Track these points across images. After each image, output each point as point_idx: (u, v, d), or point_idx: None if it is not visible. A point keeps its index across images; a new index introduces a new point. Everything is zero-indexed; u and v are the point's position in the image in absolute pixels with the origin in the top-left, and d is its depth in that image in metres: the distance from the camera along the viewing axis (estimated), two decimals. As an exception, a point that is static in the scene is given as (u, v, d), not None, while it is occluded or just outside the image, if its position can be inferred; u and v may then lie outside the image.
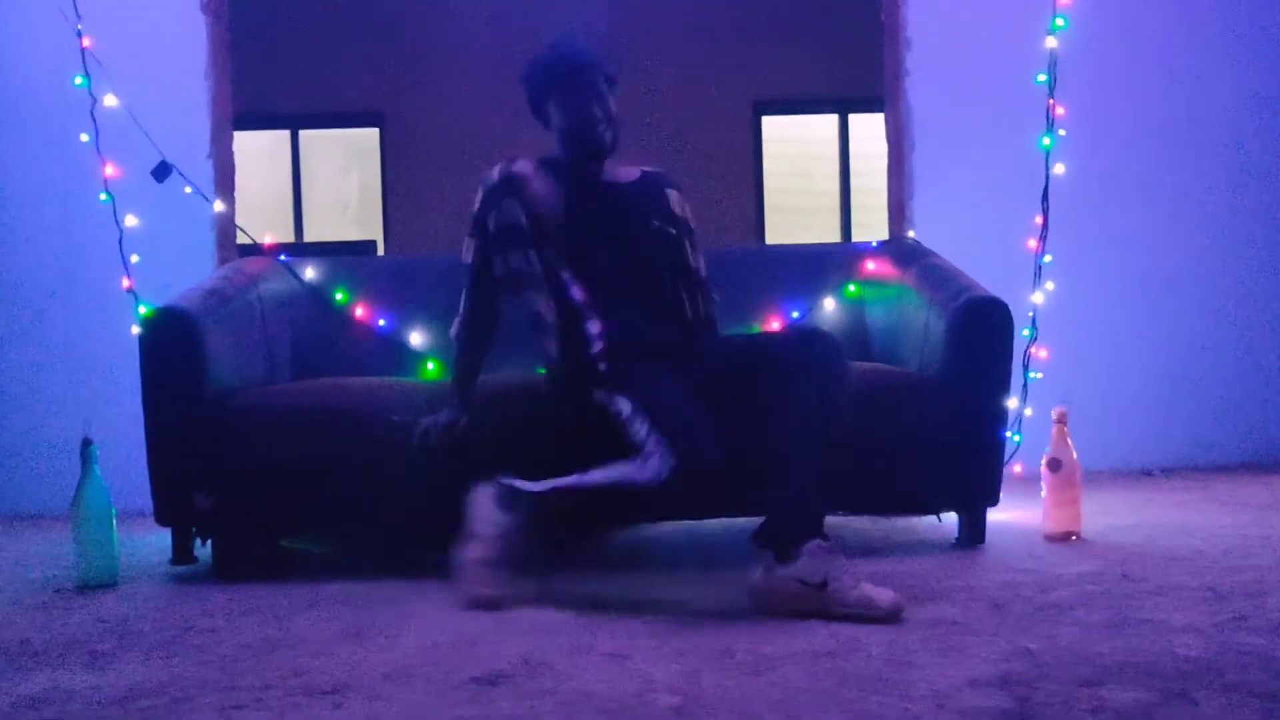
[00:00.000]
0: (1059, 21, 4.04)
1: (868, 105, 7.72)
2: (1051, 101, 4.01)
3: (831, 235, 9.32)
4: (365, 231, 9.01)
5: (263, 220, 7.87)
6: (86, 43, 3.86)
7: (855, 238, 9.21)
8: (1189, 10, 4.33)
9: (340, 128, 9.05)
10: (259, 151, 7.93)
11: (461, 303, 3.18)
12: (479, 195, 3.10)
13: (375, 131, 9.01)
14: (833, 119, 9.33)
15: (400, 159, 8.92)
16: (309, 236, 9.01)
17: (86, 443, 3.11)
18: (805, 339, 2.90)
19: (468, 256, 3.15)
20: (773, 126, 9.34)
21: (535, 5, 8.10)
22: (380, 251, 8.70)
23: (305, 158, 9.10)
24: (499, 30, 8.26)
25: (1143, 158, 4.30)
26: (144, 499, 3.18)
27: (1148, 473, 4.31)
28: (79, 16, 3.85)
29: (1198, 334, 4.39)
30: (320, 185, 9.19)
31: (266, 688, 2.19)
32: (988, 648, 2.31)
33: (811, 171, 9.36)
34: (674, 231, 3.15)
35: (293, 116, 8.73)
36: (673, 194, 3.23)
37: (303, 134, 9.03)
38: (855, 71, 6.70)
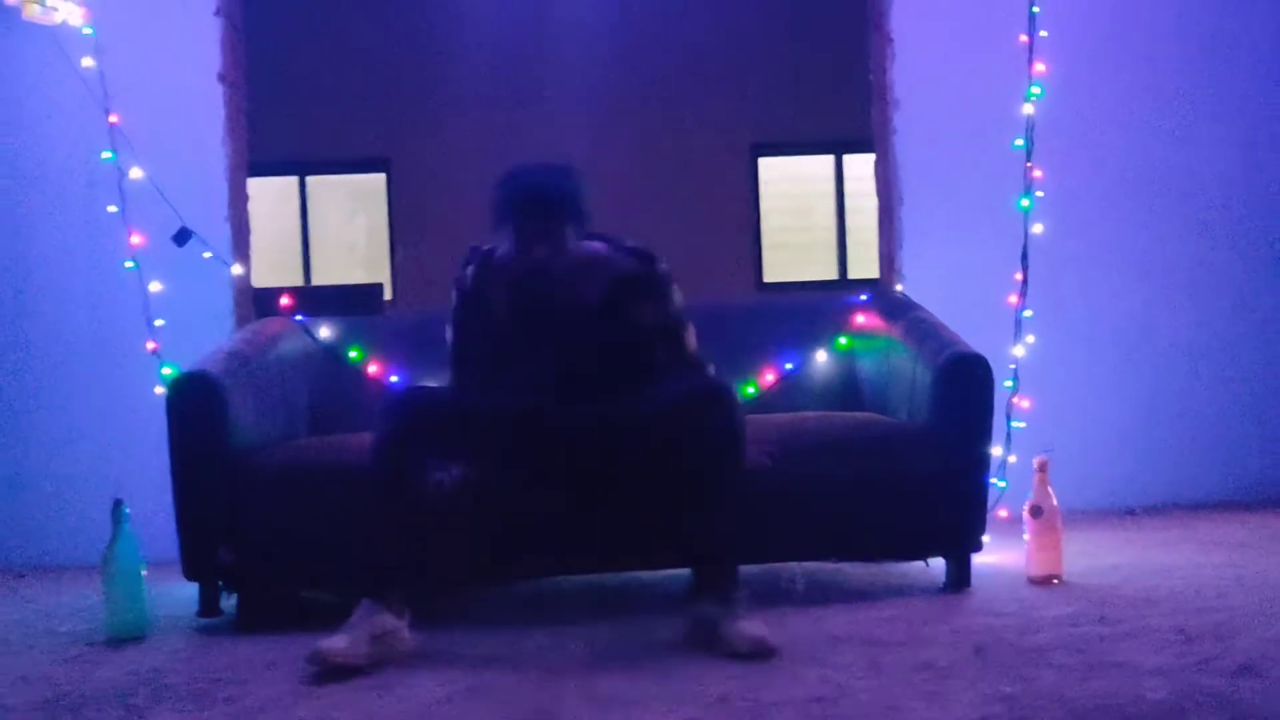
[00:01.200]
0: (1035, 90, 4.22)
1: (862, 146, 7.93)
2: (1029, 165, 4.18)
3: (829, 272, 9.51)
4: (372, 274, 9.21)
5: (272, 264, 8.09)
6: (113, 119, 4.05)
7: (852, 273, 9.40)
8: (1160, 71, 4.52)
9: (347, 173, 9.27)
10: (268, 197, 8.11)
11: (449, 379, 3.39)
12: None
13: (382, 176, 9.22)
14: (829, 159, 9.54)
15: (406, 203, 9.14)
16: (317, 279, 9.21)
17: (117, 503, 3.28)
18: (698, 402, 3.01)
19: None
20: (770, 167, 9.55)
21: (536, 54, 8.36)
22: (388, 295, 8.90)
23: (313, 202, 9.32)
24: (501, 77, 8.50)
25: (1118, 213, 4.48)
26: (173, 548, 3.34)
27: (1130, 512, 4.46)
28: (106, 95, 4.04)
29: (1175, 377, 4.55)
30: (328, 229, 9.40)
31: (294, 739, 2.36)
32: (970, 692, 2.48)
33: (809, 209, 9.56)
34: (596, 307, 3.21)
35: (300, 163, 8.94)
36: (623, 265, 3.27)
37: (310, 179, 9.25)
38: (849, 115, 6.90)
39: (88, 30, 4.06)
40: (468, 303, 3.29)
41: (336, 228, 9.46)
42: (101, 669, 2.99)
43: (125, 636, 3.25)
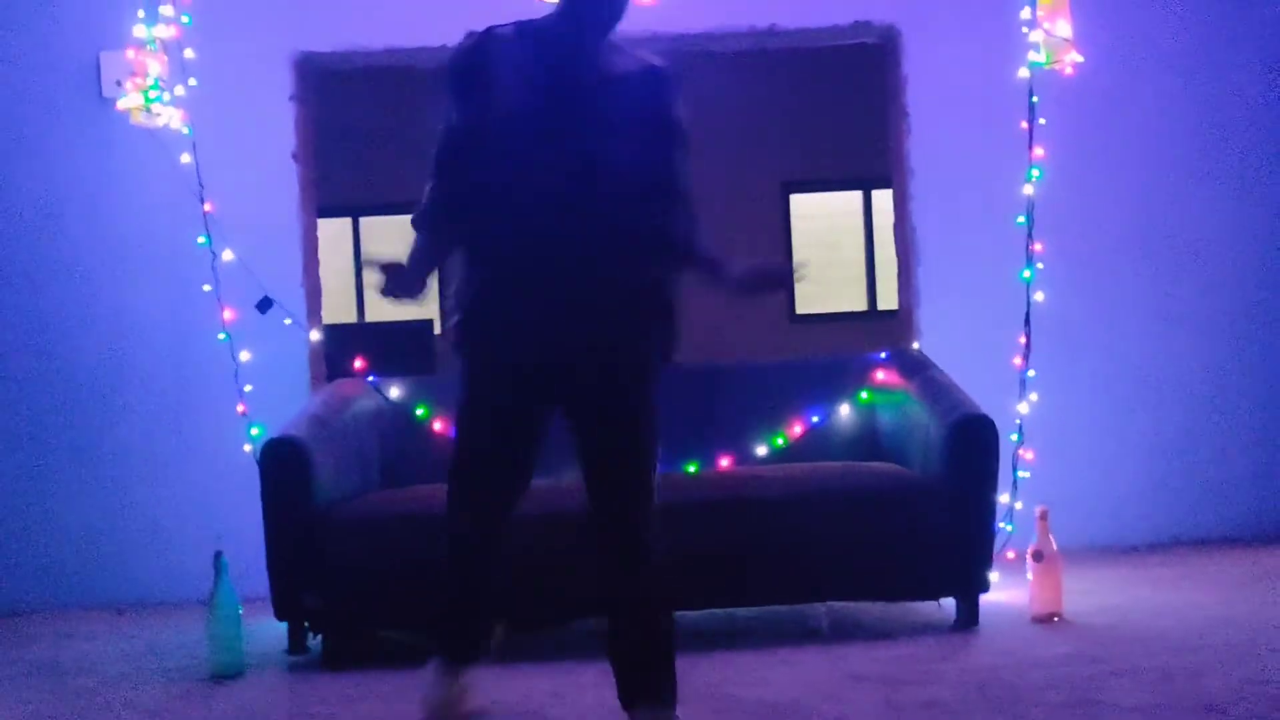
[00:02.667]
0: (1035, 172, 4.60)
1: (889, 183, 8.31)
2: (1031, 240, 4.56)
3: (858, 303, 9.87)
4: (422, 311, 9.63)
5: (328, 302, 8.51)
6: (207, 208, 4.50)
7: (880, 305, 9.76)
8: (1152, 146, 4.90)
9: (398, 214, 9.71)
10: (323, 237, 8.59)
11: (427, 190, 2.86)
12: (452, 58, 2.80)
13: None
14: (857, 195, 9.91)
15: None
16: (370, 316, 9.66)
17: (218, 555, 3.71)
18: (632, 582, 2.79)
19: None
20: (801, 203, 9.93)
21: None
22: (436, 330, 9.34)
23: (365, 242, 9.78)
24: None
25: (1116, 274, 4.84)
26: (265, 585, 3.78)
27: (1134, 549, 4.81)
28: (201, 186, 4.50)
29: (1174, 421, 4.91)
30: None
31: (387, 770, 2.77)
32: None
33: (838, 244, 9.91)
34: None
35: (354, 205, 9.39)
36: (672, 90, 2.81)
37: (363, 220, 9.72)
38: (877, 154, 7.28)
39: (186, 130, 4.52)
40: (465, 81, 2.75)
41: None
42: (210, 705, 3.42)
43: (226, 674, 3.67)
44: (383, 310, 9.74)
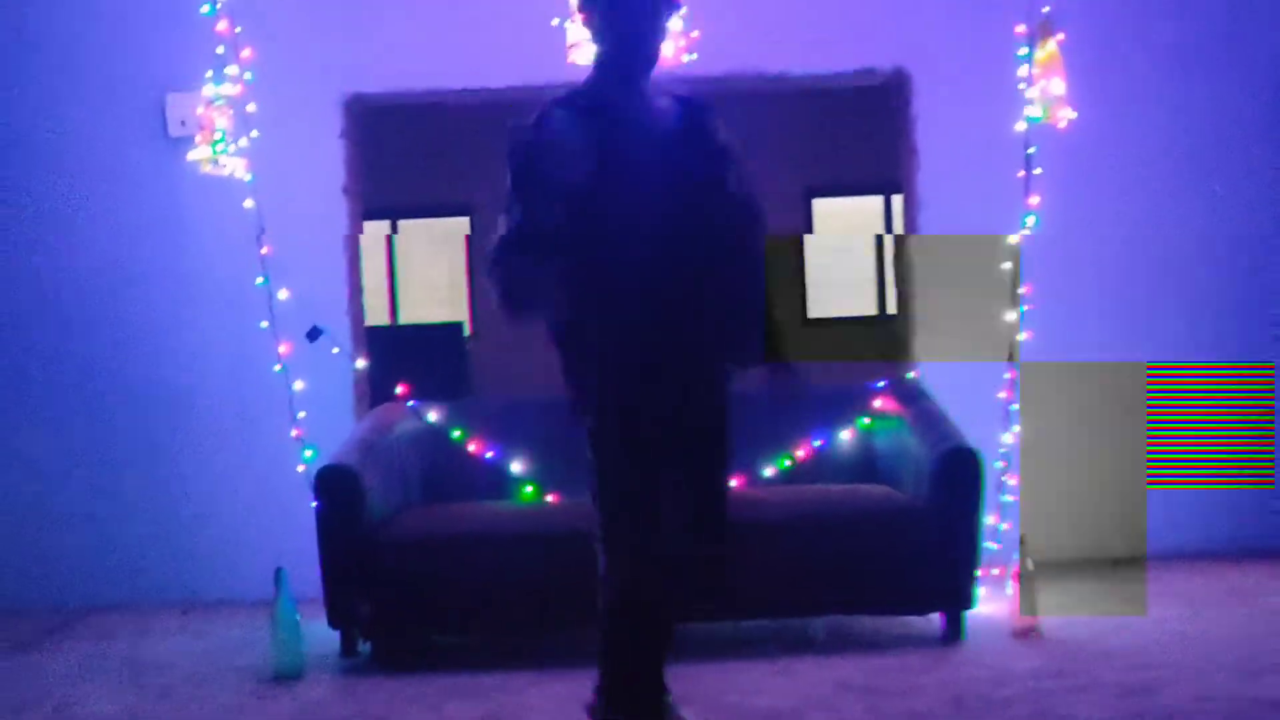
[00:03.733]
0: (1029, 219, 4.99)
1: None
2: (1019, 286, 4.95)
3: (869, 308, 10.27)
4: (454, 312, 10.11)
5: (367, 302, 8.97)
6: (265, 250, 4.94)
7: (890, 309, 10.18)
8: (1150, 189, 5.31)
9: (434, 217, 10.18)
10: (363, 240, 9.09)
11: (501, 274, 2.95)
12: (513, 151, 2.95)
13: (466, 219, 10.13)
14: (878, 200, 10.27)
15: (485, 245, 10.03)
16: (404, 318, 10.15)
17: (278, 571, 4.16)
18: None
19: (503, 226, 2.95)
20: (823, 206, 10.32)
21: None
22: (467, 331, 9.81)
23: (401, 244, 10.26)
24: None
25: (1100, 312, 5.26)
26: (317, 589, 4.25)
27: (1116, 562, 5.21)
28: (263, 229, 4.95)
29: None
30: (414, 270, 10.33)
31: (437, 769, 3.21)
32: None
33: (854, 248, 10.30)
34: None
35: (390, 208, 9.84)
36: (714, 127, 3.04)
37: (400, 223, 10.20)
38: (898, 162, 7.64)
39: (247, 178, 4.95)
40: (539, 157, 2.87)
41: (422, 268, 10.38)
42: (276, 703, 3.87)
43: (288, 675, 4.12)
44: (416, 311, 10.24)
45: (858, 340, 8.72)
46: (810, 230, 10.33)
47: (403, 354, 7.99)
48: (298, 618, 4.17)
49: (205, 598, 5.22)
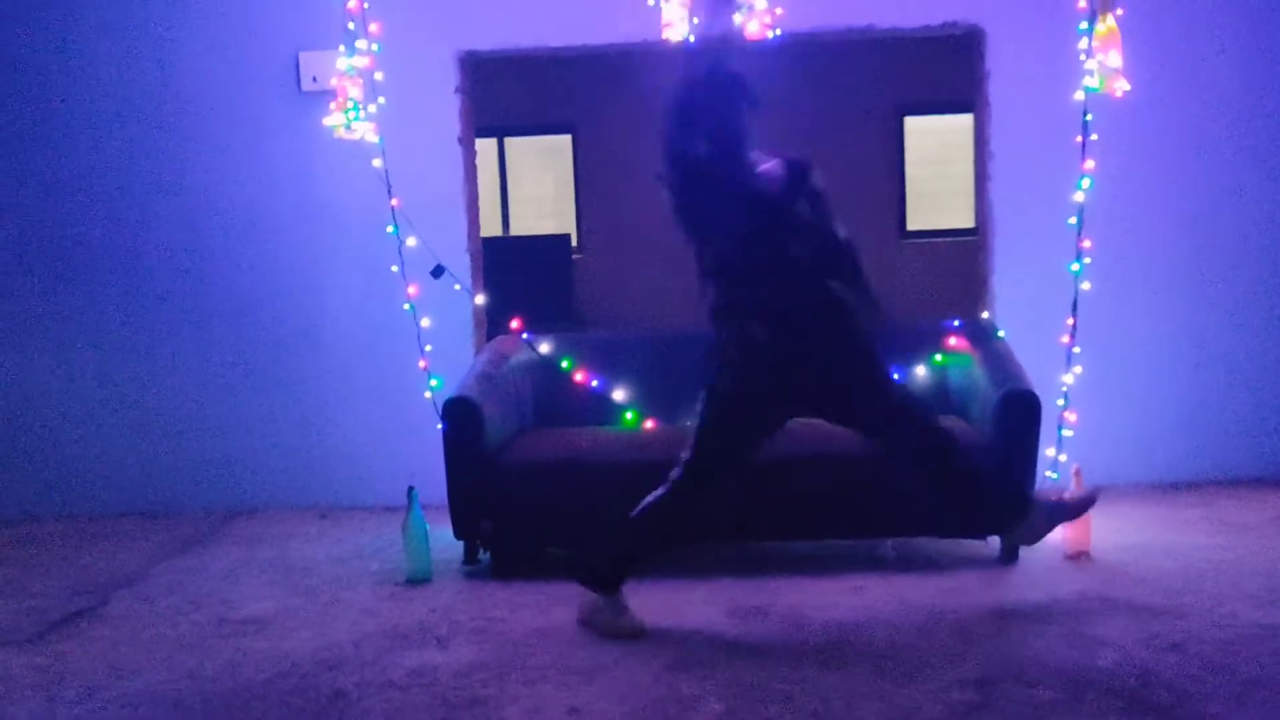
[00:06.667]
0: (1084, 183, 5.29)
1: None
2: (1080, 238, 5.28)
3: (966, 219, 10.49)
4: (560, 225, 10.61)
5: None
6: (395, 202, 5.47)
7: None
8: (1207, 152, 5.59)
9: (538, 134, 10.62)
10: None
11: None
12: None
13: (568, 137, 10.56)
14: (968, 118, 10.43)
15: (587, 161, 10.47)
16: (514, 230, 10.66)
17: (410, 489, 4.75)
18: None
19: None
20: (913, 124, 10.54)
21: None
22: (574, 242, 10.33)
23: (510, 160, 10.73)
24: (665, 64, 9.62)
25: (1155, 274, 5.61)
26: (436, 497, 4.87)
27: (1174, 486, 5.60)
28: (390, 185, 5.47)
29: (1206, 378, 5.68)
30: (522, 184, 10.81)
31: (546, 667, 3.78)
32: (979, 649, 3.76)
33: (948, 160, 10.50)
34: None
35: (500, 127, 10.30)
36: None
37: (507, 140, 10.65)
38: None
39: (377, 139, 5.45)
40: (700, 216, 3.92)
41: (530, 181, 10.87)
42: (410, 605, 4.47)
43: (418, 580, 4.74)
44: (525, 223, 10.75)
45: (954, 255, 9.07)
46: (901, 145, 10.58)
47: (514, 264, 8.58)
48: (426, 530, 4.76)
49: (337, 503, 5.90)
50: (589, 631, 4.07)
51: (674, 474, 4.03)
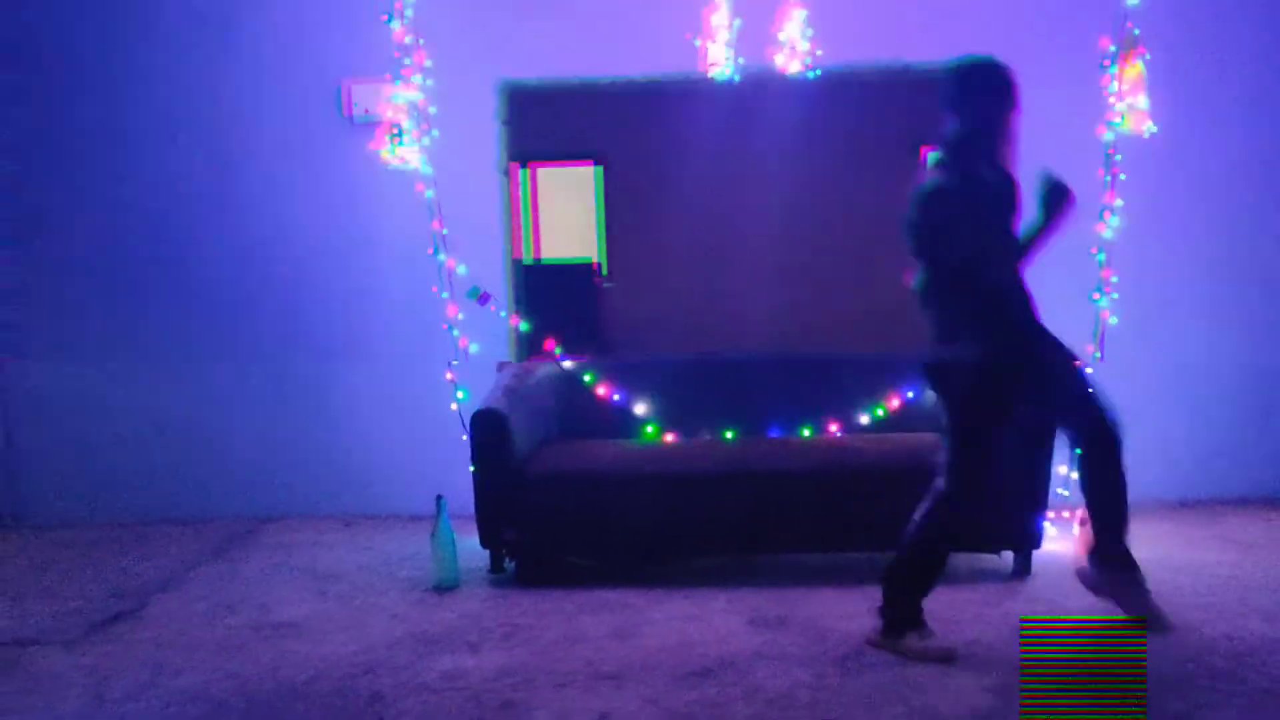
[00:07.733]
0: (1107, 215, 5.43)
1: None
2: (1103, 270, 5.45)
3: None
4: (587, 252, 10.76)
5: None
6: (437, 225, 5.65)
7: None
8: (1221, 196, 5.81)
9: (569, 161, 10.81)
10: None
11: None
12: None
13: (597, 167, 10.73)
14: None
15: (617, 191, 10.65)
16: (544, 256, 10.82)
17: (439, 497, 4.90)
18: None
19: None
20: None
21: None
22: (604, 270, 10.50)
23: (541, 187, 10.93)
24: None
25: (1178, 298, 5.82)
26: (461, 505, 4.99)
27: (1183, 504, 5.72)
28: (439, 212, 5.66)
29: (1222, 403, 5.85)
30: (550, 211, 10.98)
31: (573, 672, 3.92)
32: (985, 662, 3.89)
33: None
34: None
35: (531, 153, 10.48)
36: None
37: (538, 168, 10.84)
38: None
39: (422, 165, 5.61)
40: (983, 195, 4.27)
41: (558, 209, 11.03)
42: (439, 611, 4.61)
43: (446, 586, 4.88)
44: (553, 248, 10.88)
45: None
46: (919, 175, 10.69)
47: (546, 288, 8.72)
48: (454, 539, 4.91)
49: (363, 512, 6.06)
50: (888, 653, 4.07)
51: (937, 485, 4.08)
